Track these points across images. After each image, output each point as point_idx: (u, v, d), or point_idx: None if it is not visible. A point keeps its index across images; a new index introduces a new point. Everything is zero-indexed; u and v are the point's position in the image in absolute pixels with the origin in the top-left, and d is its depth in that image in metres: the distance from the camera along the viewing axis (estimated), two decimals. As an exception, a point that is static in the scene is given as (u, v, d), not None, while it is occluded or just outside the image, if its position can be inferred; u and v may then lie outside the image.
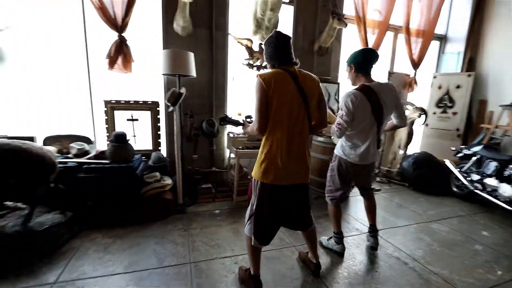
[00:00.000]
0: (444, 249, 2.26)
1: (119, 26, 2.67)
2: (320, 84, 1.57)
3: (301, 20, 3.46)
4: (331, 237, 2.18)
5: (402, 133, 4.07)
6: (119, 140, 2.57)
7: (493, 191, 3.00)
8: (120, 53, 2.71)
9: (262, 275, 1.65)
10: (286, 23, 3.49)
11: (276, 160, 1.47)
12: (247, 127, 1.67)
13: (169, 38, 2.96)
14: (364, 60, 1.84)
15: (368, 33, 3.74)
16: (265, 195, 1.52)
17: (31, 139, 2.69)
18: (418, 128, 4.27)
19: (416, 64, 4.15)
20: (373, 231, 2.19)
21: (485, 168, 3.22)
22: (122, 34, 2.71)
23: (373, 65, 1.86)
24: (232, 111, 3.37)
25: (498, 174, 3.01)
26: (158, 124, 3.08)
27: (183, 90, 2.61)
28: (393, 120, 1.99)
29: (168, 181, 2.77)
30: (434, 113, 4.34)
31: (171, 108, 2.64)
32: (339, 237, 2.12)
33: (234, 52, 3.31)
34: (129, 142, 2.68)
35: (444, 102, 4.25)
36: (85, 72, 2.82)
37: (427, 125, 4.39)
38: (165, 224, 2.47)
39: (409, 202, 3.33)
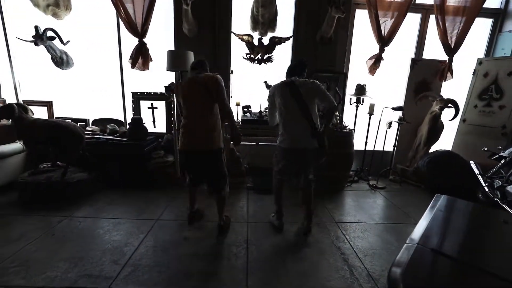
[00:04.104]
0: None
1: (140, 33, 3.37)
2: (213, 80, 2.04)
3: (304, 12, 3.47)
4: (274, 214, 2.43)
5: (423, 128, 3.62)
6: (134, 123, 3.31)
7: (513, 202, 2.48)
8: (140, 54, 3.42)
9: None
10: (289, 15, 3.59)
11: (183, 134, 2.13)
12: None
13: (180, 39, 3.51)
14: (288, 71, 2.27)
15: (386, 17, 3.45)
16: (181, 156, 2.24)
17: (85, 121, 3.76)
18: (451, 124, 3.68)
19: (452, 49, 3.55)
20: (307, 216, 2.29)
21: (512, 174, 2.66)
22: (143, 39, 3.40)
23: (298, 71, 2.20)
24: (232, 101, 3.73)
25: (525, 182, 2.47)
26: (172, 112, 3.72)
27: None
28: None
29: (170, 158, 3.39)
30: (475, 106, 3.63)
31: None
32: (278, 214, 2.37)
33: (236, 48, 3.63)
34: (144, 125, 3.40)
35: (490, 93, 3.51)
36: (119, 70, 3.67)
37: (464, 120, 3.73)
38: (161, 191, 3.09)
39: (408, 203, 3.06)
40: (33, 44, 3.25)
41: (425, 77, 3.72)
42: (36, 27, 3.22)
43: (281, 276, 1.78)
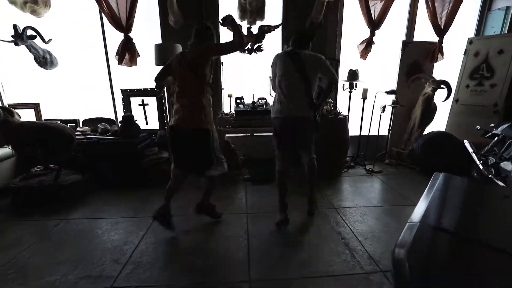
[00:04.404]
0: (399, 232, 2.14)
1: (124, 28, 3.26)
2: (202, 52, 1.97)
3: (291, -2, 3.41)
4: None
5: (417, 110, 3.63)
6: (126, 121, 3.23)
7: (507, 177, 2.53)
8: (127, 50, 3.32)
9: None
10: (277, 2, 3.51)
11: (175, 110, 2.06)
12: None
13: (166, 32, 3.42)
14: (293, 42, 2.24)
15: (375, 0, 3.40)
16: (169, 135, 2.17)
17: (75, 121, 3.67)
18: (444, 105, 3.69)
19: (442, 30, 3.53)
20: (310, 202, 2.37)
21: (505, 150, 2.70)
22: (128, 34, 3.30)
23: (305, 44, 2.21)
24: (224, 93, 3.68)
25: (518, 158, 2.51)
26: (164, 107, 3.65)
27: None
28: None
29: (165, 155, 3.34)
30: (467, 86, 3.65)
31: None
32: (281, 206, 2.28)
33: (225, 39, 3.55)
34: (136, 122, 3.33)
35: (481, 72, 3.53)
36: (106, 68, 3.56)
37: (457, 101, 3.75)
38: (157, 188, 3.03)
39: (404, 185, 3.09)
40: (13, 44, 3.12)
41: (417, 59, 3.71)
42: (15, 26, 3.08)
43: (283, 265, 1.78)
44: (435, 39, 3.59)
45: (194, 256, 1.87)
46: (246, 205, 2.65)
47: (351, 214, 2.44)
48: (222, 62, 3.58)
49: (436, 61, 3.64)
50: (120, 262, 1.80)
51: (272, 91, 2.50)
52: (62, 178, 2.75)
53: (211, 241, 2.07)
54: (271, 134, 2.35)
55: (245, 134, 3.56)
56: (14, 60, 3.52)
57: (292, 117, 2.13)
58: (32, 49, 3.25)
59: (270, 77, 3.24)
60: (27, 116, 3.48)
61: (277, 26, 3.45)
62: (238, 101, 3.47)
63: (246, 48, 3.52)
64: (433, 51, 3.59)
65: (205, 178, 2.18)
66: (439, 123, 3.87)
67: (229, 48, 1.99)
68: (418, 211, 0.96)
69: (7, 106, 3.29)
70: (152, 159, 3.22)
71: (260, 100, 3.47)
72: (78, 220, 2.38)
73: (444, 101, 3.51)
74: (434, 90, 3.36)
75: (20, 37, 3.10)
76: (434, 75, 3.71)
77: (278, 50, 3.62)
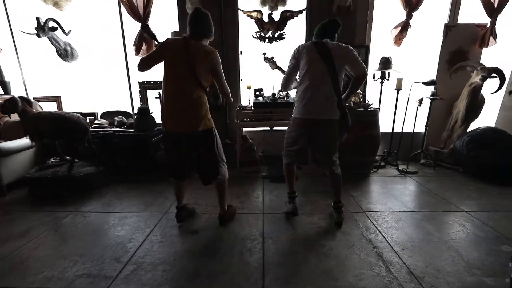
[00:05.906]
0: (445, 243, 1.79)
1: (142, 17, 3.17)
2: (214, 57, 1.73)
3: (317, -21, 3.11)
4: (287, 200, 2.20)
5: (460, 104, 3.17)
6: (141, 113, 3.14)
7: None
8: (144, 40, 3.23)
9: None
10: (301, -14, 3.23)
11: (164, 112, 1.80)
12: None
13: (184, 20, 3.27)
14: (317, 32, 1.97)
15: (413, -21, 3.01)
16: (164, 139, 1.95)
17: (94, 114, 3.66)
18: (494, 98, 3.18)
19: (495, 9, 3.04)
20: (336, 207, 2.01)
21: None
22: (146, 23, 3.20)
23: (331, 33, 1.94)
24: (242, 84, 3.47)
25: None
26: (180, 100, 3.52)
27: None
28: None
29: (180, 148, 3.20)
30: (524, 75, 3.12)
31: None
32: (290, 196, 2.14)
33: (245, 27, 3.35)
34: (151, 115, 3.23)
35: (543, 58, 2.99)
36: (123, 61, 3.51)
37: (510, 93, 3.22)
38: (171, 183, 2.90)
39: (446, 188, 2.67)
40: (35, 36, 3.15)
41: (461, 45, 3.24)
42: (38, 18, 3.12)
43: (303, 274, 1.52)
44: (486, 20, 3.10)
45: (202, 259, 1.67)
46: (263, 204, 2.41)
47: (383, 219, 2.11)
48: (240, 52, 3.37)
49: (487, 46, 3.14)
50: (121, 261, 1.64)
51: (283, 87, 2.15)
52: (76, 170, 2.69)
53: (222, 242, 1.85)
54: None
55: (264, 129, 3.34)
56: (36, 53, 3.58)
57: (317, 120, 1.85)
58: (53, 41, 3.28)
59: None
60: (49, 108, 3.53)
61: (301, 12, 3.19)
62: (257, 93, 3.24)
63: (267, 36, 3.29)
64: (483, 34, 3.11)
65: (214, 180, 1.95)
66: (486, 119, 3.36)
67: (224, 86, 1.83)
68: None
69: (32, 98, 3.34)
70: (166, 153, 3.09)
71: (281, 92, 3.21)
72: (87, 213, 2.29)
73: (494, 92, 3.02)
74: (483, 79, 2.89)
75: (42, 29, 3.13)
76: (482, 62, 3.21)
77: (302, 38, 3.35)
